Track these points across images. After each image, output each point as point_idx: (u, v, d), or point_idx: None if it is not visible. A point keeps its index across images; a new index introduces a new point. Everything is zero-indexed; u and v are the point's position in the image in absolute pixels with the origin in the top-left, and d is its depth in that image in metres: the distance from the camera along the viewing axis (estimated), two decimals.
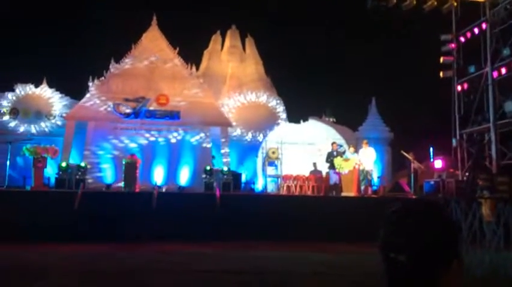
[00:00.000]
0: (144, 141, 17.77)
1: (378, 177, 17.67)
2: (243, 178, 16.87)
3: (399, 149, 16.04)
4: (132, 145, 17.53)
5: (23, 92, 18.16)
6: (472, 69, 16.15)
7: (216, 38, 22.32)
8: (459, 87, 16.58)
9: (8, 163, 14.08)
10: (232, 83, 20.87)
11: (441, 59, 16.80)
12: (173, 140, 18.01)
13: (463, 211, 8.12)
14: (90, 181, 16.07)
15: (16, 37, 21.32)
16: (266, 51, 22.08)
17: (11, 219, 10.67)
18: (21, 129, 17.79)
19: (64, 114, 17.99)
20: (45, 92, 18.42)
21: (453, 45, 16.70)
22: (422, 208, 1.19)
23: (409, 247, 1.11)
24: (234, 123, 18.89)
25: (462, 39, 16.57)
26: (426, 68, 18.78)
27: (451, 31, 16.85)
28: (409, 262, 1.10)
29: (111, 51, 18.70)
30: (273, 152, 16.94)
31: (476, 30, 15.92)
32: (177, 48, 18.78)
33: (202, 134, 18.20)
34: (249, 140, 19.23)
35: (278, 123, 19.55)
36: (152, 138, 17.87)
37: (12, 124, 17.78)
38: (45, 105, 18.28)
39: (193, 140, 18.16)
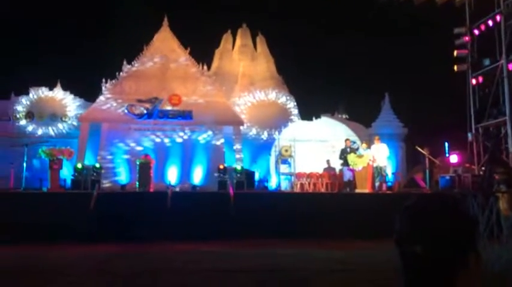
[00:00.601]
0: (157, 142, 17.89)
1: (393, 173, 17.52)
2: (257, 176, 16.87)
3: (414, 145, 15.88)
4: (146, 145, 17.68)
5: (37, 96, 18.41)
6: (486, 62, 15.90)
7: (227, 37, 22.34)
8: (474, 81, 16.34)
9: (24, 165, 14.28)
10: (244, 81, 20.88)
11: (455, 53, 16.58)
12: (186, 140, 18.10)
13: (480, 205, 8.01)
14: (105, 181, 16.24)
15: (29, 41, 21.61)
16: (277, 49, 22.03)
17: (28, 220, 10.83)
18: (38, 132, 18.03)
19: (78, 116, 18.20)
20: (59, 94, 18.65)
21: (467, 38, 16.46)
22: (438, 201, 1.17)
23: (424, 238, 1.09)
24: (246, 122, 18.90)
25: (476, 32, 16.32)
26: (440, 62, 18.54)
27: (465, 24, 16.61)
28: (425, 254, 1.09)
29: (123, 52, 18.87)
30: (286, 150, 16.91)
31: (490, 23, 15.66)
32: (189, 48, 18.87)
33: (214, 134, 18.26)
34: (261, 138, 19.23)
35: (291, 121, 19.50)
36: (165, 139, 17.99)
37: (28, 127, 18.04)
38: (60, 108, 18.51)
39: (206, 139, 18.23)
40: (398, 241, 1.16)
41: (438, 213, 1.13)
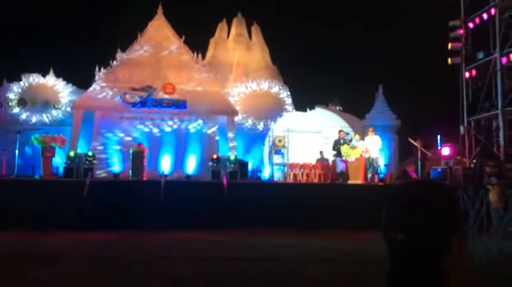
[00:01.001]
0: (151, 131, 17.85)
1: (385, 165, 17.63)
2: (250, 167, 16.91)
3: (406, 137, 15.97)
4: (139, 134, 17.63)
5: (29, 83, 18.24)
6: (480, 55, 15.95)
7: (222, 26, 22.22)
8: (467, 74, 16.41)
9: (17, 152, 14.21)
10: (239, 71, 20.81)
11: (449, 46, 16.62)
12: (180, 129, 18.07)
13: (471, 198, 8.10)
14: (98, 170, 16.20)
15: (22, 27, 21.36)
16: (272, 39, 21.96)
17: (21, 207, 10.82)
18: (30, 119, 17.90)
19: (71, 104, 18.08)
20: (51, 81, 18.50)
21: (461, 31, 16.50)
22: (420, 187, 1.20)
23: (408, 225, 1.11)
24: (240, 112, 18.88)
25: (471, 25, 16.35)
26: (434, 54, 18.60)
27: (460, 17, 16.63)
28: (409, 240, 1.11)
29: (117, 40, 18.72)
30: (280, 141, 16.94)
31: (485, 16, 15.69)
32: (183, 37, 18.75)
33: (208, 123, 18.24)
34: (255, 128, 19.23)
35: (285, 112, 19.51)
36: (159, 127, 17.95)
37: (20, 114, 17.90)
38: (53, 95, 18.37)
39: (200, 128, 18.21)
40: (384, 228, 1.18)
41: (420, 198, 1.15)
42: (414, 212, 1.14)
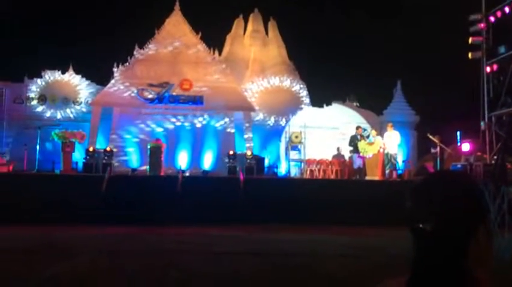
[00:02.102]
0: (168, 126, 17.99)
1: (403, 161, 17.44)
2: (266, 162, 16.91)
3: (425, 133, 15.75)
4: (157, 130, 17.78)
5: (49, 79, 18.54)
6: (502, 49, 15.61)
7: (238, 22, 22.21)
8: (488, 69, 16.07)
9: (37, 147, 14.47)
10: (255, 67, 20.80)
11: (470, 40, 16.30)
12: (197, 125, 18.17)
13: (492, 194, 7.97)
14: (116, 165, 16.40)
15: (42, 25, 21.69)
16: (289, 35, 21.85)
17: (41, 202, 11.03)
18: (50, 114, 18.21)
19: (90, 100, 18.31)
20: (71, 78, 18.76)
21: (482, 25, 16.16)
22: (447, 177, 1.18)
23: (433, 215, 1.10)
24: (257, 108, 18.87)
25: (492, 18, 16.00)
26: (454, 49, 18.27)
27: (481, 11, 16.30)
28: (435, 231, 1.10)
29: (135, 37, 18.87)
30: (296, 137, 16.89)
31: (507, 9, 15.34)
32: (200, 33, 18.81)
33: (225, 119, 18.30)
34: (272, 124, 19.21)
35: (301, 108, 19.43)
36: (176, 123, 18.08)
37: (41, 110, 18.22)
38: (72, 92, 18.64)
39: (217, 124, 18.27)
40: (408, 219, 1.17)
41: (445, 189, 1.13)
42: (439, 203, 1.12)
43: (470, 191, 1.14)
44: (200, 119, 18.24)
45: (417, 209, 1.14)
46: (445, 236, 1.08)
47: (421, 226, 1.11)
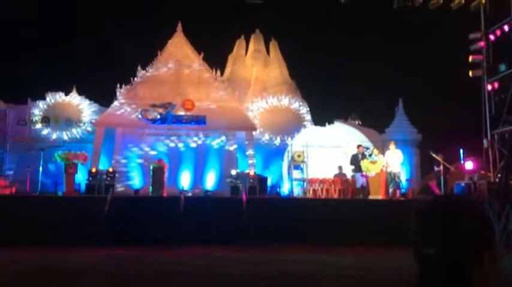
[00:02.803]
0: (171, 146, 18.02)
1: (406, 180, 17.36)
2: (269, 182, 16.85)
3: (428, 151, 15.73)
4: (160, 150, 17.81)
5: (53, 101, 18.68)
6: (502, 67, 15.70)
7: (240, 42, 22.44)
8: (489, 87, 16.14)
9: (40, 169, 14.49)
10: (257, 87, 20.93)
11: (470, 58, 16.41)
12: (199, 145, 18.19)
13: (496, 213, 7.90)
14: (119, 186, 16.37)
15: (46, 47, 21.95)
16: (290, 55, 22.02)
17: (44, 224, 10.98)
18: (53, 136, 18.29)
19: (93, 121, 18.41)
20: (74, 99, 18.90)
21: (482, 43, 16.29)
22: (451, 202, 1.18)
23: (437, 240, 1.09)
24: (259, 127, 18.92)
25: (492, 37, 16.14)
26: (454, 67, 18.36)
27: (480, 29, 16.45)
28: (439, 256, 1.09)
29: (138, 58, 19.06)
30: (299, 156, 16.87)
31: (506, 28, 15.48)
32: (202, 54, 19.00)
33: (227, 139, 18.33)
34: (274, 143, 19.22)
35: (303, 127, 19.47)
36: (179, 143, 18.11)
37: (44, 132, 18.31)
38: (75, 113, 18.75)
39: (219, 144, 18.30)
40: (413, 243, 1.16)
41: (450, 214, 1.13)
42: (443, 228, 1.12)
43: (475, 216, 1.13)
44: (203, 139, 18.29)
45: (421, 234, 1.13)
46: (449, 262, 1.07)
47: (425, 250, 1.11)
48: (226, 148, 18.29)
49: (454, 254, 1.10)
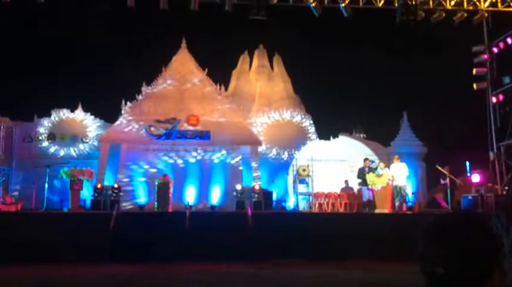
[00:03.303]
0: (175, 162, 18.04)
1: (413, 193, 17.25)
2: (274, 196, 16.80)
3: (434, 164, 15.65)
4: (164, 166, 17.83)
5: (58, 117, 18.82)
6: (507, 80, 15.69)
7: (244, 58, 22.60)
8: (494, 99, 16.12)
9: (46, 185, 14.52)
10: (261, 102, 21.00)
11: (474, 71, 16.42)
12: (204, 160, 18.21)
13: (504, 225, 7.81)
14: (124, 202, 16.37)
15: (52, 64, 22.20)
16: (294, 69, 22.13)
17: (49, 240, 10.96)
18: (59, 153, 18.37)
19: (98, 137, 18.49)
20: (80, 116, 19.03)
21: (486, 56, 16.32)
22: (461, 220, 1.16)
23: (447, 259, 1.08)
24: (263, 142, 18.94)
25: (495, 49, 16.17)
26: (458, 80, 18.38)
27: (483, 42, 16.49)
28: (448, 275, 1.07)
29: (142, 74, 19.22)
30: (304, 170, 16.83)
31: (509, 40, 15.52)
32: (206, 69, 19.13)
33: (232, 154, 18.34)
34: (279, 158, 19.21)
35: (308, 141, 19.47)
36: (184, 159, 18.13)
37: (49, 149, 18.40)
38: (80, 129, 18.86)
39: (224, 159, 18.30)
40: (421, 261, 1.15)
41: (461, 232, 1.12)
42: (452, 247, 1.11)
43: (484, 233, 1.12)
44: (207, 154, 18.30)
45: (429, 251, 1.12)
46: (458, 279, 1.06)
47: (434, 268, 1.09)
48: (231, 162, 18.29)
49: (464, 271, 1.09)
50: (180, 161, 18.10)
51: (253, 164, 18.27)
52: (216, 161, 18.26)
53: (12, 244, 10.68)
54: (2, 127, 17.89)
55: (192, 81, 18.90)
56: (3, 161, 17.35)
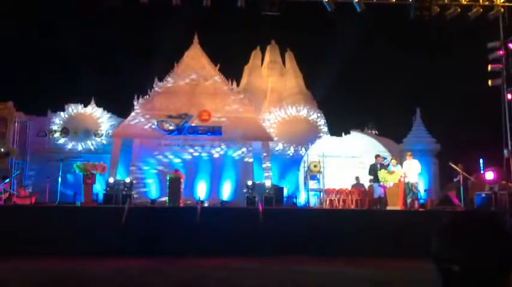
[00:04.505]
0: (187, 157, 18.12)
1: (425, 190, 17.11)
2: (285, 192, 16.79)
3: (447, 161, 15.49)
4: (176, 161, 17.93)
5: (72, 112, 19.02)
6: None
7: (256, 53, 22.56)
8: (509, 96, 15.89)
9: (59, 179, 14.69)
10: (273, 97, 20.97)
11: (489, 67, 16.19)
12: (215, 155, 18.26)
13: None
14: (136, 196, 16.52)
15: (65, 60, 22.40)
16: (306, 65, 22.05)
17: (62, 234, 11.10)
18: (73, 147, 18.57)
19: (111, 132, 18.64)
20: (93, 111, 19.20)
21: (501, 52, 16.07)
22: (475, 219, 1.15)
23: (464, 257, 1.07)
24: (275, 138, 18.92)
25: (511, 46, 15.92)
26: (473, 76, 18.13)
27: (499, 38, 16.24)
28: (465, 273, 1.06)
29: (155, 70, 19.31)
30: (315, 166, 16.78)
31: None
32: (218, 65, 19.14)
33: (243, 149, 18.36)
34: (290, 154, 19.18)
35: (319, 137, 19.40)
36: (195, 154, 18.21)
37: (63, 143, 18.61)
38: (93, 124, 19.04)
39: (235, 155, 18.34)
40: (436, 259, 1.14)
41: (477, 231, 1.10)
42: (467, 246, 1.09)
43: (498, 232, 1.10)
44: (218, 149, 18.35)
45: (445, 250, 1.10)
46: (475, 278, 1.05)
47: (449, 266, 1.08)
48: (242, 158, 18.31)
49: (480, 270, 1.07)
50: (191, 157, 18.18)
51: (265, 160, 18.27)
52: (227, 156, 18.30)
53: (25, 237, 10.83)
54: (16, 122, 18.13)
55: (204, 76, 18.93)
56: (18, 155, 17.59)
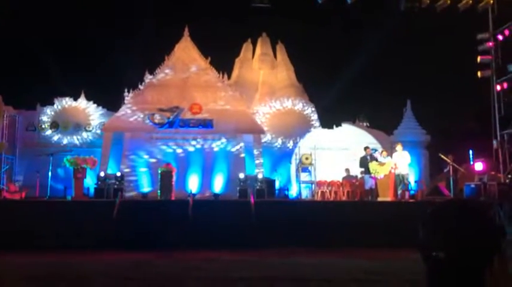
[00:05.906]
0: (178, 150, 18.06)
1: (415, 181, 17.25)
2: (277, 185, 16.83)
3: (437, 152, 15.62)
4: (167, 154, 17.85)
5: (61, 106, 18.83)
6: (511, 68, 15.60)
7: (247, 46, 22.46)
8: (498, 87, 16.04)
9: (49, 174, 14.59)
10: (264, 90, 20.93)
11: (478, 59, 16.31)
12: (207, 148, 18.22)
13: (507, 214, 7.82)
14: (127, 190, 16.43)
15: (54, 53, 22.16)
16: (297, 57, 22.01)
17: (53, 228, 11.05)
18: (62, 141, 18.42)
19: (101, 126, 18.51)
20: (83, 104, 19.03)
21: (490, 43, 16.19)
22: (460, 206, 1.16)
23: (448, 244, 1.08)
24: (266, 130, 18.92)
25: (500, 37, 16.04)
26: (463, 68, 18.26)
27: (488, 29, 16.35)
28: (449, 260, 1.08)
29: (145, 63, 19.16)
30: (307, 158, 16.84)
31: None
32: (209, 58, 19.05)
33: (235, 142, 18.34)
34: (282, 146, 19.20)
35: (311, 129, 19.43)
36: (186, 147, 18.15)
37: (53, 137, 18.45)
38: (83, 118, 18.87)
39: (227, 148, 18.32)
40: (422, 247, 1.15)
41: (460, 218, 1.12)
42: (453, 232, 1.11)
43: (485, 219, 1.12)
44: (210, 142, 18.31)
45: (431, 238, 1.12)
46: (460, 265, 1.06)
47: (434, 254, 1.09)
48: (234, 151, 18.29)
49: (465, 257, 1.09)
50: (182, 150, 18.13)
51: (256, 153, 18.28)
52: (218, 149, 18.27)
53: (16, 232, 10.77)
54: (5, 116, 17.92)
55: (195, 69, 18.83)
56: (7, 150, 17.43)
